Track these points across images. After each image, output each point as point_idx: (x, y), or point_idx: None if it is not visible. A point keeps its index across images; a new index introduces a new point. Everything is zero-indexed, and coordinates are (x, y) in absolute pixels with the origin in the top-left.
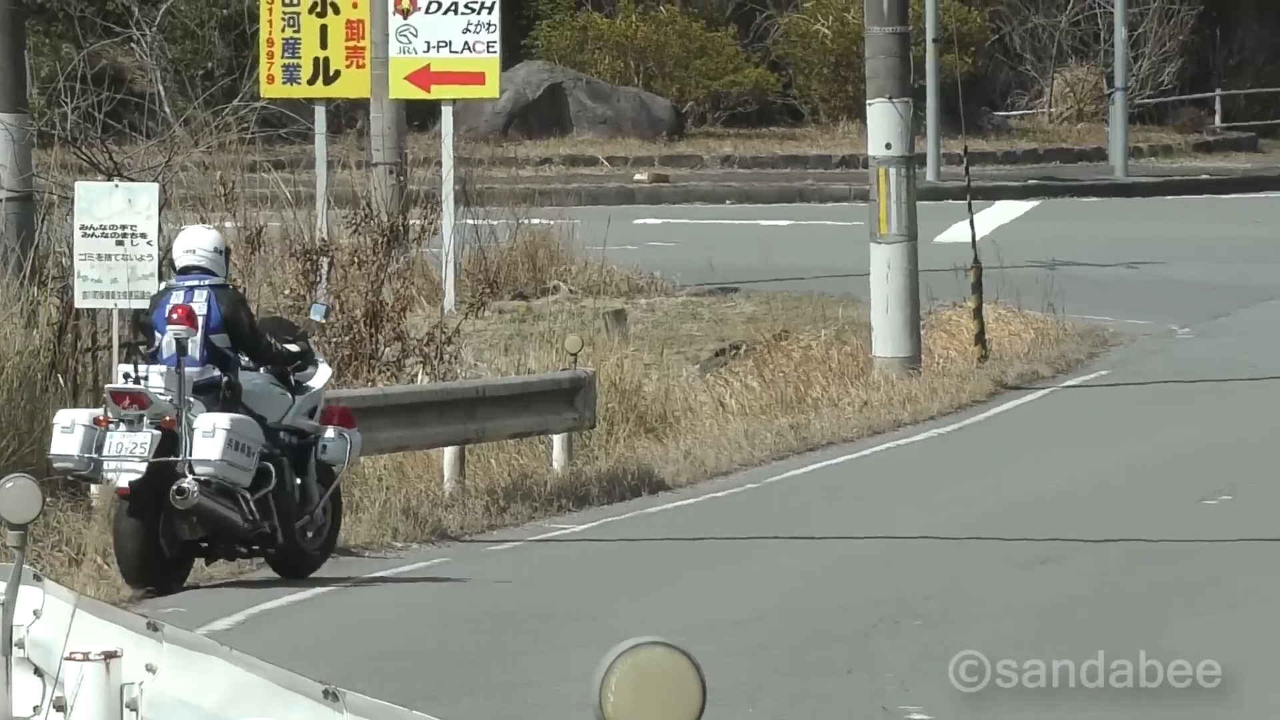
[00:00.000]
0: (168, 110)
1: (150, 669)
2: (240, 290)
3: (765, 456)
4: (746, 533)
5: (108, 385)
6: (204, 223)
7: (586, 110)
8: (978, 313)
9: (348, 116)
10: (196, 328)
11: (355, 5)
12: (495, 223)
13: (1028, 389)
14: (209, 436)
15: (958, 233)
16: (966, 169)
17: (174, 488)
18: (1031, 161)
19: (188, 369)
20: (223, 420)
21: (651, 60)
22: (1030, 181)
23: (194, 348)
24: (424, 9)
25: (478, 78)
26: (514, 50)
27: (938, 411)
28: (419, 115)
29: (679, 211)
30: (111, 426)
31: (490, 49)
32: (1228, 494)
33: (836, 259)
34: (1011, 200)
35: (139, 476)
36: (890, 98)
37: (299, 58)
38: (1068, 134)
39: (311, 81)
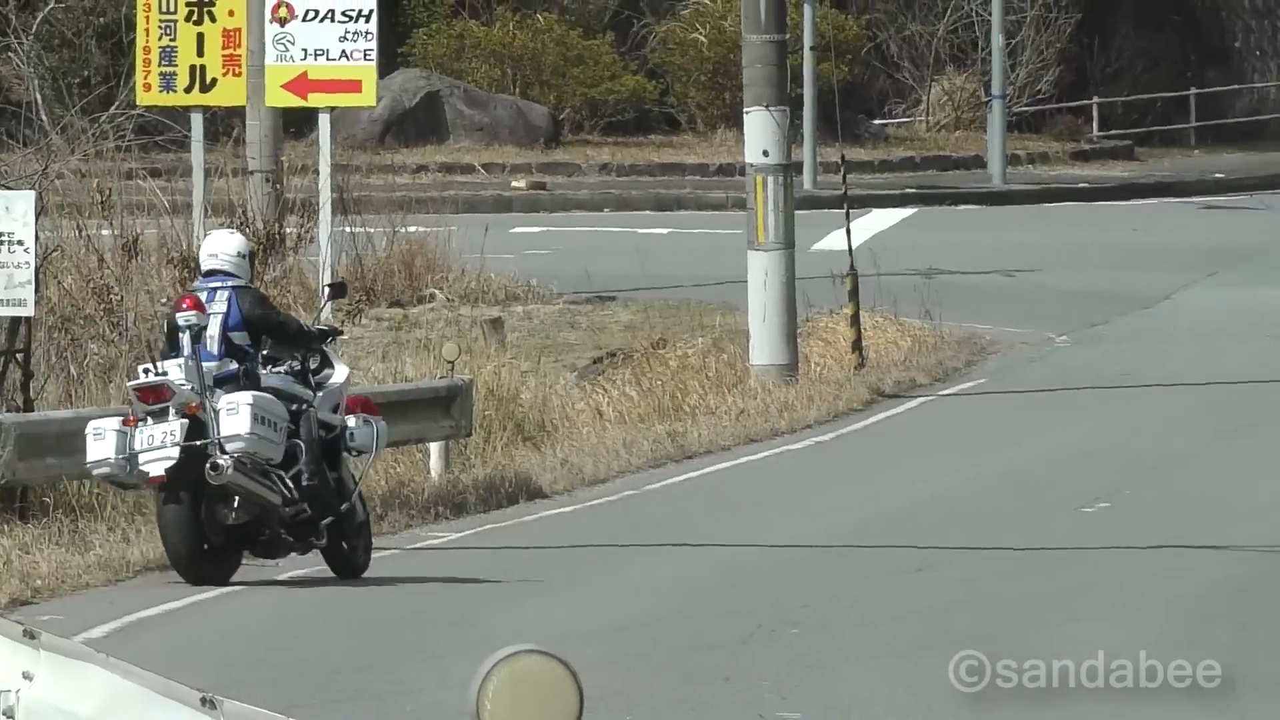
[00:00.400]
0: (45, 118)
1: (27, 676)
2: (262, 290)
3: (643, 464)
4: (624, 540)
5: (129, 383)
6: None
7: (463, 118)
8: (855, 320)
9: (225, 124)
10: (205, 312)
11: (232, 14)
12: (372, 230)
13: (905, 397)
14: (234, 413)
15: (835, 241)
16: (844, 177)
17: (208, 464)
18: (909, 169)
19: (208, 364)
20: (245, 396)
21: (529, 68)
22: (907, 189)
23: (212, 343)
24: (300, 17)
25: (354, 86)
26: (391, 58)
27: (815, 419)
28: (296, 123)
29: (556, 219)
30: (140, 423)
31: (367, 57)
32: (1105, 501)
33: (714, 267)
34: (889, 208)
35: (173, 462)
36: (767, 106)
37: (176, 66)
38: (945, 142)
39: (188, 89)
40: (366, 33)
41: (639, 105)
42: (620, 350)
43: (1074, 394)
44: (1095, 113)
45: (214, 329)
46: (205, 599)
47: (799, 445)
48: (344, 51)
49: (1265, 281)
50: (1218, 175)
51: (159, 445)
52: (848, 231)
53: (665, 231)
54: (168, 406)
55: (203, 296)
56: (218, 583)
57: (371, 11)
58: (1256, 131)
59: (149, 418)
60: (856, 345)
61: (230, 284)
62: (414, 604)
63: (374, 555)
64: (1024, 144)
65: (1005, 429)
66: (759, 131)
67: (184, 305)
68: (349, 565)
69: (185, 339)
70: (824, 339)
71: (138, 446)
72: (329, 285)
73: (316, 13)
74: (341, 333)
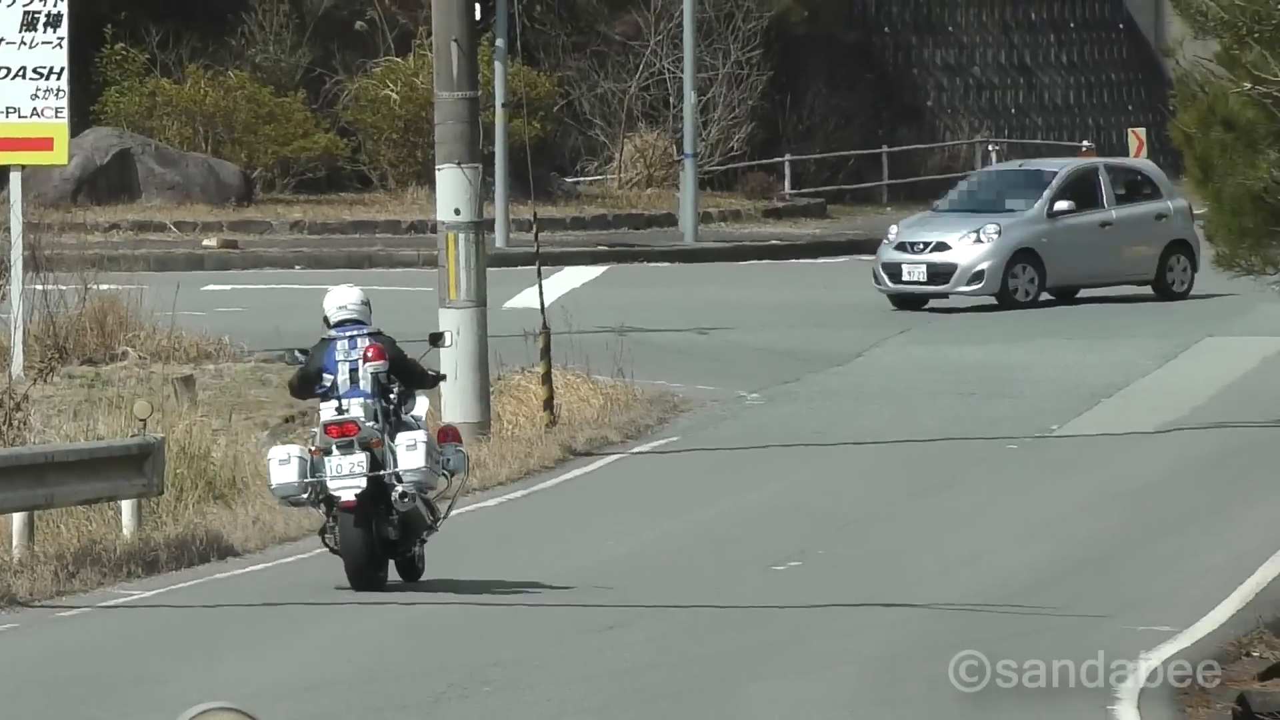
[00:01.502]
0: None
1: None
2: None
3: None
4: (316, 598)
5: (322, 420)
6: None
7: (155, 176)
8: (547, 378)
9: None
10: (386, 360)
11: None
12: (64, 288)
13: (597, 455)
14: (413, 449)
15: (527, 298)
16: (536, 234)
17: (397, 493)
18: (601, 227)
19: (369, 401)
20: (420, 435)
21: (220, 126)
22: (600, 247)
23: (365, 383)
24: None
25: (46, 144)
26: (83, 116)
27: (507, 477)
28: None
29: (248, 277)
30: (323, 453)
31: (59, 115)
32: (797, 560)
33: (406, 324)
34: (581, 266)
35: (362, 489)
36: (459, 163)
37: None
38: (638, 199)
39: None
40: (58, 90)
41: (331, 163)
42: (311, 408)
43: (766, 452)
44: (787, 170)
45: (364, 375)
46: None
47: (491, 503)
48: (35, 109)
49: (956, 339)
50: None
51: (348, 474)
52: (540, 289)
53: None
54: (352, 440)
55: (344, 344)
56: (378, 589)
57: (63, 69)
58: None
59: (335, 449)
60: (549, 403)
61: (365, 331)
62: (106, 662)
63: (65, 614)
64: (716, 201)
65: (697, 487)
66: (451, 189)
67: (369, 355)
68: (416, 571)
69: (344, 383)
70: (516, 397)
71: (329, 474)
72: (431, 335)
73: (8, 70)
74: (444, 376)
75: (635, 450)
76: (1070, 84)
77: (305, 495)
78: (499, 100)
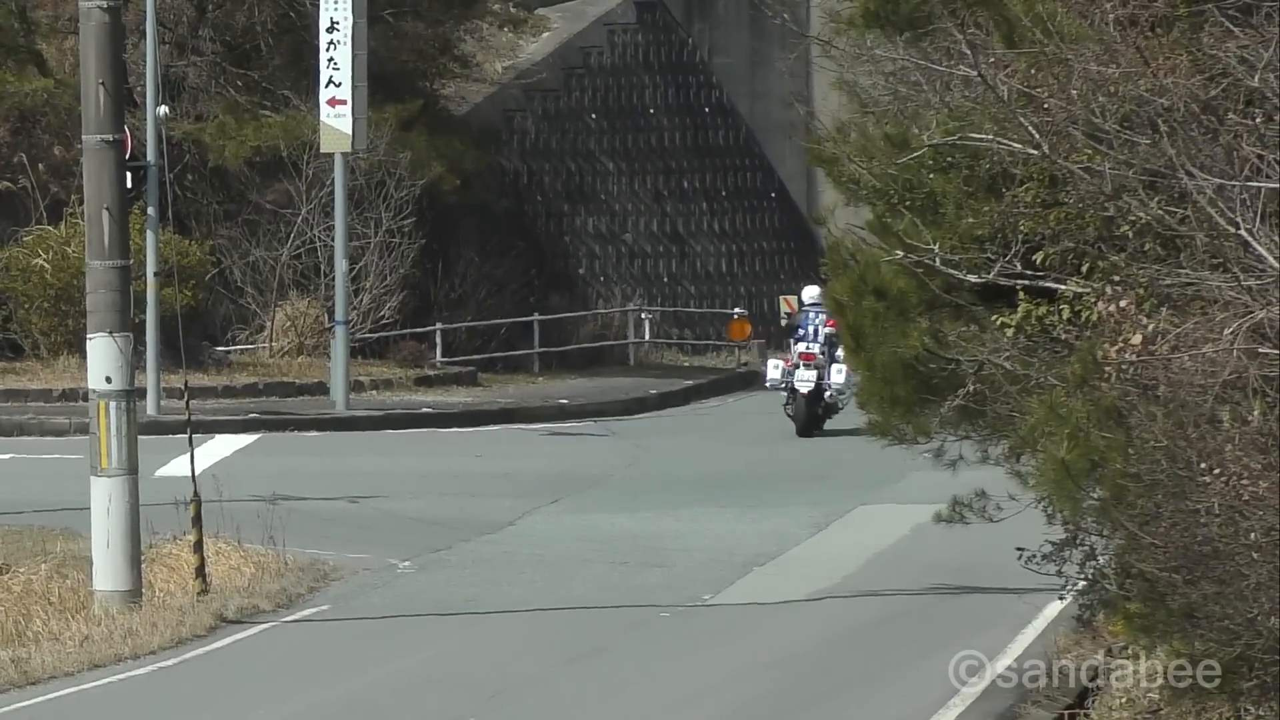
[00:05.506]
0: None
1: None
2: None
3: None
4: None
5: (799, 348)
6: None
7: None
8: (198, 547)
9: None
10: (835, 329)
11: None
12: None
13: (249, 623)
14: (840, 373)
15: (179, 467)
16: (187, 403)
17: (828, 394)
18: (252, 395)
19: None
20: (844, 367)
21: None
22: (251, 415)
23: (821, 336)
24: None
25: None
26: None
27: (159, 645)
28: None
29: None
30: (794, 367)
31: None
32: None
33: (58, 493)
34: (232, 434)
35: (811, 387)
36: (111, 332)
37: None
38: (289, 368)
39: None
40: None
41: None
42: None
43: (417, 620)
44: (439, 338)
45: (820, 332)
46: None
47: (142, 671)
48: None
49: (608, 508)
50: (561, 401)
51: (806, 379)
52: (191, 458)
53: (7, 457)
54: (812, 363)
55: (812, 314)
56: (810, 436)
57: None
58: (600, 357)
59: (801, 366)
60: (200, 571)
61: (823, 309)
62: None
63: None
64: (368, 370)
65: (348, 655)
66: (102, 358)
67: (829, 324)
68: (822, 425)
69: (812, 335)
70: (168, 565)
71: (796, 377)
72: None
73: None
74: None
75: (287, 619)
76: (723, 252)
77: (783, 384)
78: (150, 269)
